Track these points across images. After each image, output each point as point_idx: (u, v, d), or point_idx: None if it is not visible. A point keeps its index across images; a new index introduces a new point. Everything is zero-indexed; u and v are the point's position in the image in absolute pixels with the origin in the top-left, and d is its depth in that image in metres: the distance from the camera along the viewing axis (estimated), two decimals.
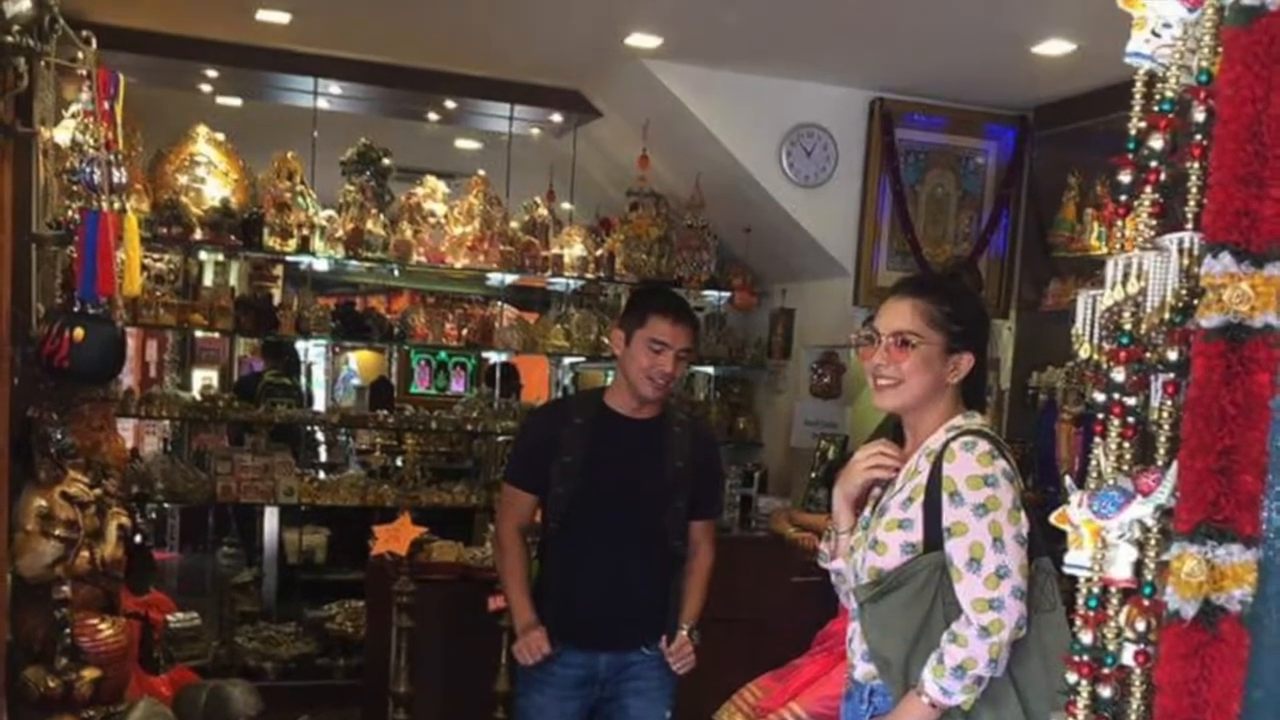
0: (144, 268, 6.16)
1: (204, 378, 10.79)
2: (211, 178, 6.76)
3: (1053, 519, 1.85)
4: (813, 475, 6.78)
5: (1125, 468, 1.77)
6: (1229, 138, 1.56)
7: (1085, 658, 1.79)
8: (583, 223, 7.84)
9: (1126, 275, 1.76)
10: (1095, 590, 1.79)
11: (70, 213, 3.76)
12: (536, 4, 5.70)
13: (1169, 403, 1.70)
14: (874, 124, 6.83)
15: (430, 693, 5.37)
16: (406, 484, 7.36)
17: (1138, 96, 1.81)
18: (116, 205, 3.78)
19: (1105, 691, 1.77)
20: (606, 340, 6.93)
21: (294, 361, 9.42)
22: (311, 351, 10.17)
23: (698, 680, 4.02)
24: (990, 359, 3.82)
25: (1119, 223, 1.83)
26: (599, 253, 7.42)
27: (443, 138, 8.98)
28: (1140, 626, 1.70)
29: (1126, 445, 1.78)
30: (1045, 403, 6.49)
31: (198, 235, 6.69)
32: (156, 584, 5.74)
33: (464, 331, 7.55)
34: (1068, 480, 1.87)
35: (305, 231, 6.78)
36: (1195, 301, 1.62)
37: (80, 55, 3.65)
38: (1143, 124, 1.79)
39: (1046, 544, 2.59)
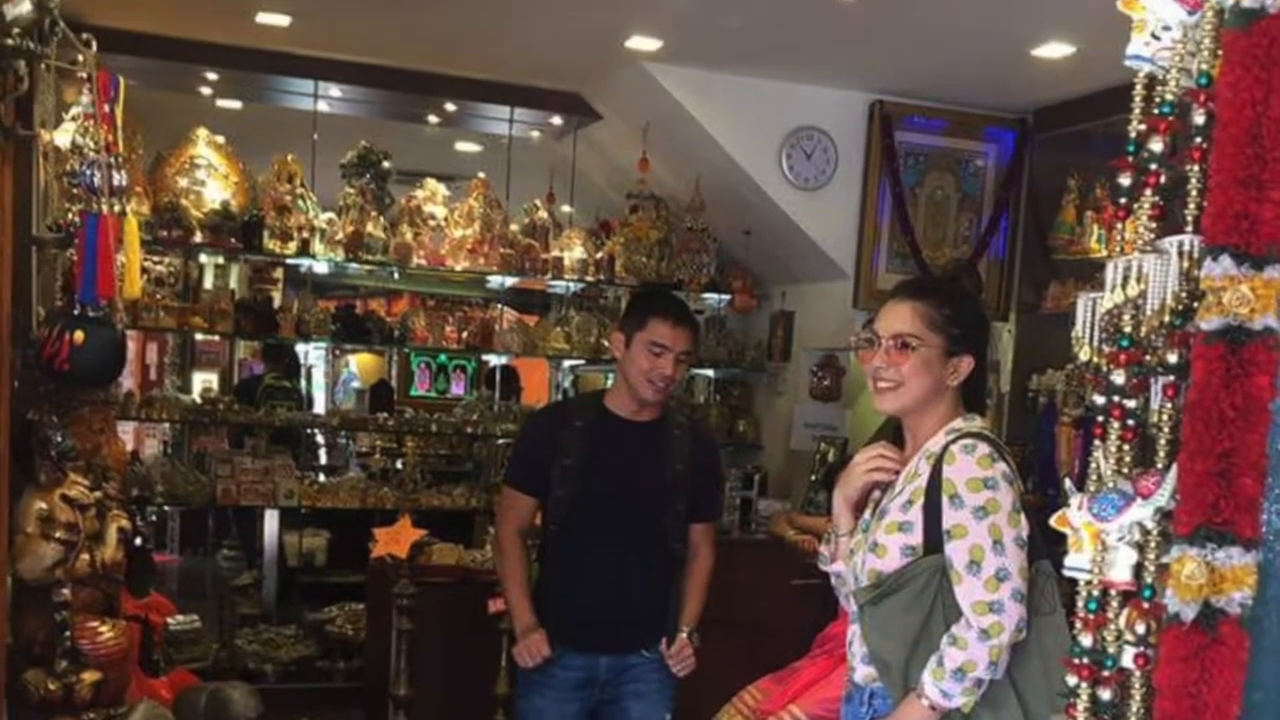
0: (144, 270, 6.17)
1: (204, 380, 10.79)
2: (212, 180, 6.77)
3: (1053, 522, 1.85)
4: (812, 478, 6.77)
5: (1125, 470, 1.77)
6: (1229, 140, 1.56)
7: (1085, 660, 1.79)
8: (583, 225, 7.84)
9: (1126, 278, 1.76)
10: (1095, 593, 1.79)
11: (70, 215, 3.75)
12: (536, 7, 5.70)
13: (1169, 405, 1.70)
14: (874, 127, 6.83)
15: (430, 695, 5.37)
16: (407, 487, 7.36)
17: (1137, 99, 1.82)
18: (117, 208, 3.78)
19: (1105, 694, 1.77)
20: (606, 343, 6.93)
21: (294, 364, 9.43)
22: (312, 354, 10.18)
23: (698, 683, 4.02)
24: (990, 362, 3.83)
25: (1119, 225, 1.83)
26: (599, 255, 7.42)
27: (443, 140, 8.98)
28: (1140, 629, 1.70)
29: (1126, 448, 1.78)
30: (1045, 405, 6.49)
31: (198, 238, 6.69)
32: (157, 587, 5.73)
33: (464, 334, 7.55)
34: (1067, 483, 1.87)
35: (305, 234, 6.79)
36: (1195, 304, 1.62)
37: (80, 58, 3.64)
38: (1142, 127, 1.79)
39: (1046, 547, 2.59)
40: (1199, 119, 1.66)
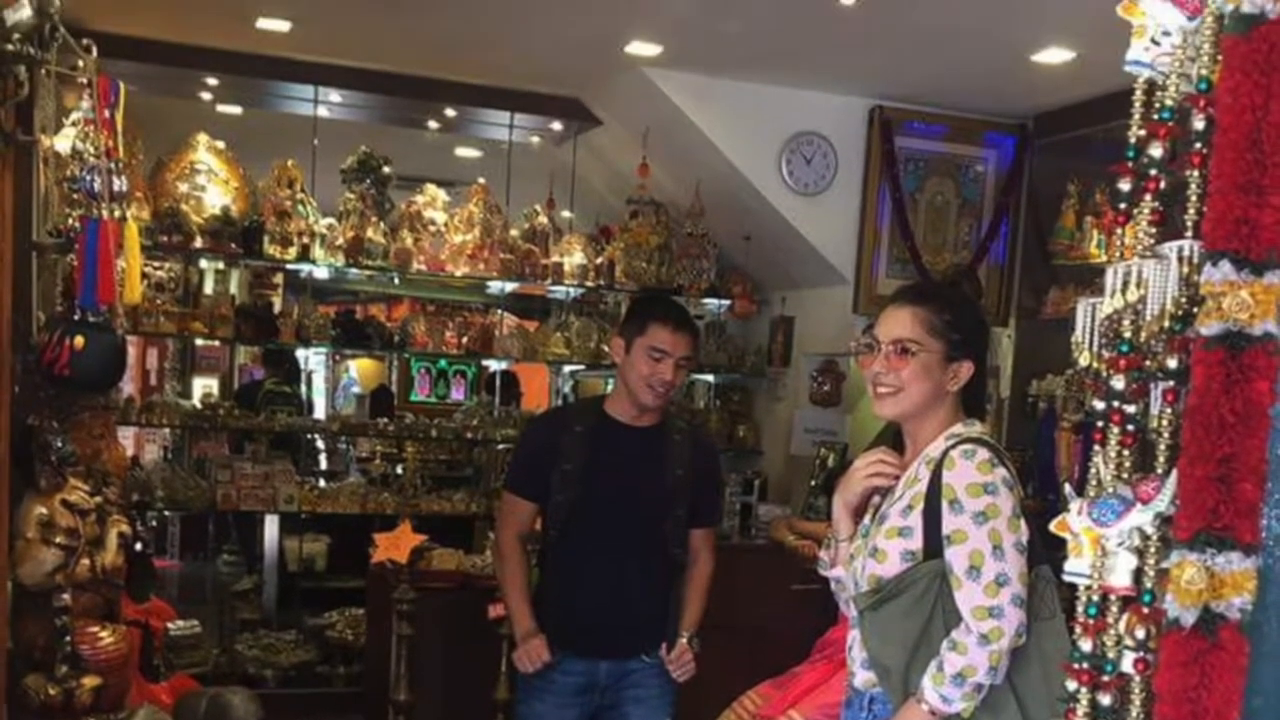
0: (144, 276, 6.17)
1: (204, 386, 10.77)
2: (212, 186, 6.77)
3: (1052, 526, 1.85)
4: (812, 483, 6.78)
5: (1125, 475, 1.77)
6: (1228, 146, 1.56)
7: (1085, 665, 1.79)
8: (583, 231, 7.86)
9: (1126, 283, 1.76)
10: (1095, 598, 1.79)
11: (71, 221, 3.75)
12: (536, 12, 5.70)
13: (1168, 410, 1.70)
14: (874, 132, 6.84)
15: (430, 700, 5.37)
16: (407, 492, 7.35)
17: (1137, 104, 1.82)
18: (117, 213, 3.78)
19: (1105, 699, 1.77)
20: (606, 348, 6.94)
21: (294, 369, 9.43)
22: (312, 359, 10.18)
23: (698, 688, 4.02)
24: (990, 367, 3.83)
25: (1119, 231, 1.83)
26: (599, 261, 7.42)
27: (443, 146, 8.98)
28: (1140, 634, 1.70)
29: (1126, 453, 1.78)
30: (1045, 410, 6.49)
31: (198, 243, 6.69)
32: (157, 592, 5.72)
33: (464, 339, 7.55)
34: (1067, 488, 1.87)
35: (305, 239, 6.79)
36: (1195, 309, 1.62)
37: (81, 63, 3.64)
38: (1142, 132, 1.80)
39: (1046, 552, 2.60)
40: (1199, 124, 1.66)
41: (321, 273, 7.35)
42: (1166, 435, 1.71)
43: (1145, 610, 1.71)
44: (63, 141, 3.99)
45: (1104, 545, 1.75)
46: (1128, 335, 1.76)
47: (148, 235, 6.16)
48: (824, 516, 5.08)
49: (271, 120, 8.12)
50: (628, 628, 3.92)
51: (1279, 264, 1.54)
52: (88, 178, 3.68)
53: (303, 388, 9.73)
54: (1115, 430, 1.78)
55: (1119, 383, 1.76)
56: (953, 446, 2.63)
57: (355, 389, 13.28)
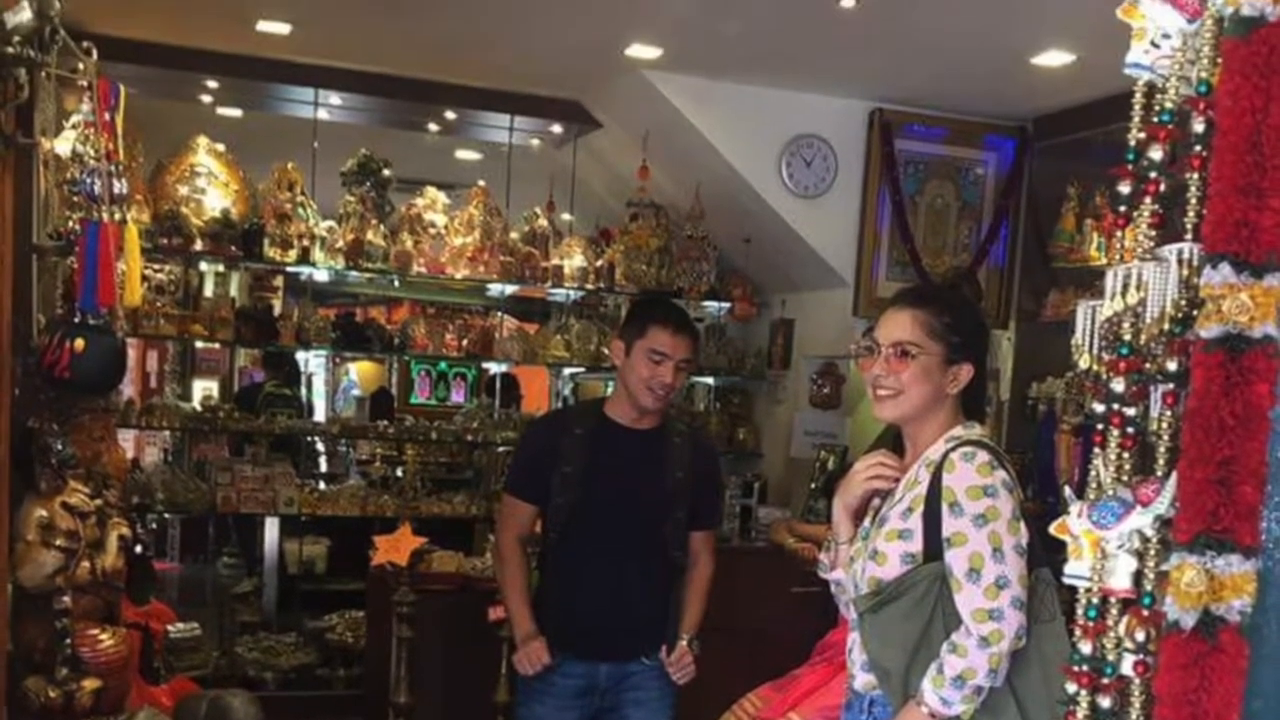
0: (144, 278, 6.17)
1: (204, 388, 10.76)
2: (212, 188, 6.76)
3: (1052, 529, 1.85)
4: (812, 486, 6.78)
5: (1125, 478, 1.77)
6: (1228, 148, 1.56)
7: (1085, 668, 1.79)
8: (583, 233, 7.85)
9: (1126, 286, 1.76)
10: (1095, 600, 1.79)
11: (71, 223, 3.75)
12: (536, 15, 5.70)
13: (1168, 413, 1.70)
14: (874, 135, 6.84)
15: (430, 703, 5.37)
16: (407, 494, 7.35)
17: (1137, 107, 1.82)
18: (117, 216, 3.78)
19: (1105, 702, 1.77)
20: (606, 351, 6.94)
21: (294, 372, 9.42)
22: (312, 362, 10.17)
23: (698, 690, 4.02)
24: (990, 369, 3.83)
25: (1118, 233, 1.83)
26: (599, 263, 7.42)
27: (443, 148, 8.98)
28: (1140, 637, 1.71)
29: (1126, 456, 1.78)
30: (1045, 413, 6.49)
31: (198, 246, 6.68)
32: (157, 594, 5.72)
33: (464, 342, 7.55)
34: (1067, 491, 1.87)
35: (305, 242, 6.79)
36: (1194, 312, 1.62)
37: (81, 66, 3.64)
38: (1142, 135, 1.80)
39: (1046, 554, 2.60)
40: (1198, 127, 1.66)
41: (322, 275, 7.36)
42: (1166, 438, 1.71)
43: (1145, 613, 1.71)
44: (63, 144, 4.00)
45: (1104, 548, 1.75)
46: (1127, 338, 1.76)
47: (148, 238, 6.16)
48: (824, 519, 5.08)
49: (271, 123, 8.12)
50: (628, 630, 3.92)
51: (1279, 267, 1.54)
52: (88, 180, 3.69)
53: (303, 390, 9.72)
54: (1115, 433, 1.78)
55: (1119, 385, 1.76)
56: (953, 449, 2.64)
57: (355, 391, 13.28)
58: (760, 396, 8.02)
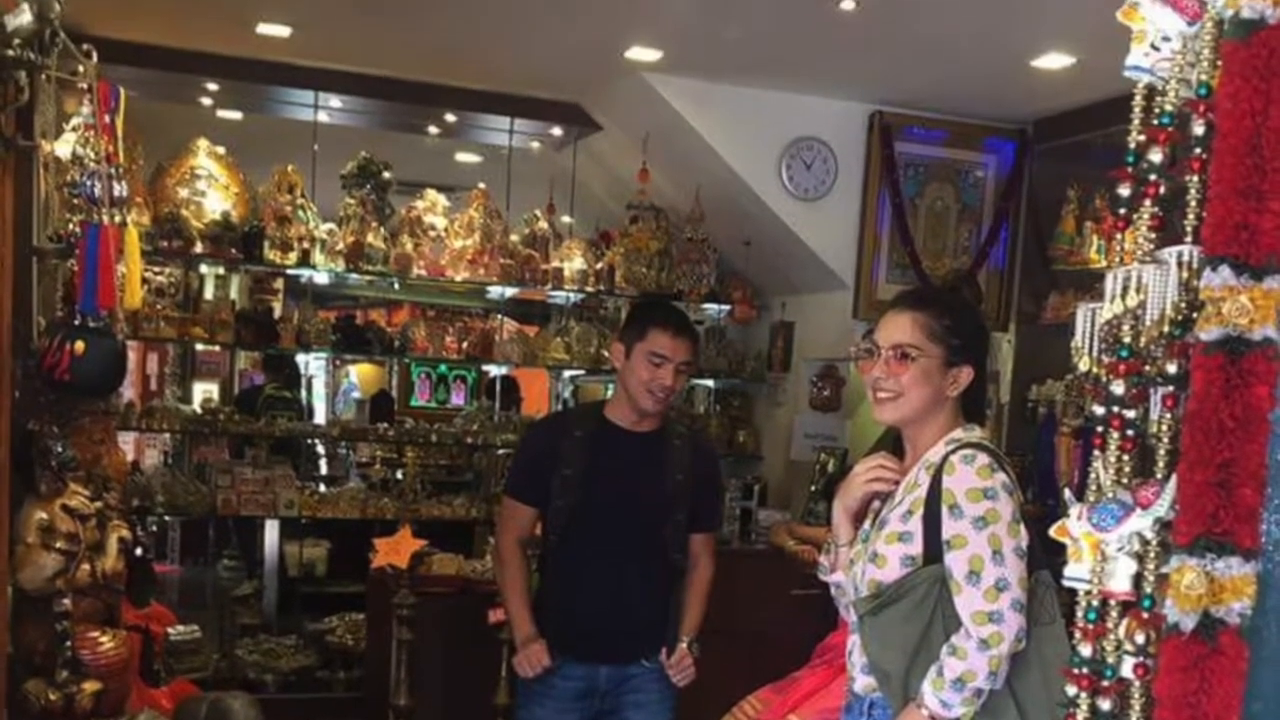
0: (145, 281, 6.16)
1: (204, 391, 10.78)
2: (212, 191, 6.76)
3: (1052, 532, 1.85)
4: (812, 488, 6.78)
5: (1124, 481, 1.77)
6: (1228, 151, 1.56)
7: (1085, 670, 1.79)
8: (583, 236, 7.85)
9: (1126, 288, 1.76)
10: (1095, 603, 1.79)
11: (71, 226, 3.75)
12: (536, 18, 5.70)
13: (1168, 416, 1.70)
14: (874, 137, 6.84)
15: (430, 705, 5.37)
16: (407, 497, 7.35)
17: (1137, 110, 1.82)
18: (117, 218, 3.78)
19: (1105, 704, 1.77)
20: (606, 353, 6.93)
21: (294, 375, 9.43)
22: (312, 365, 10.18)
23: (698, 693, 4.02)
24: (990, 372, 3.83)
25: (1118, 236, 1.83)
26: (599, 266, 7.42)
27: (443, 151, 8.98)
28: (1140, 639, 1.71)
29: (1126, 458, 1.78)
30: (1045, 416, 6.49)
31: (198, 248, 6.68)
32: (157, 597, 5.72)
33: (464, 344, 7.54)
34: (1067, 493, 1.87)
35: (306, 245, 6.79)
36: (1194, 315, 1.62)
37: (81, 69, 3.64)
38: (1142, 137, 1.80)
39: (1046, 557, 2.59)
40: (1198, 130, 1.66)
41: (322, 278, 7.35)
42: (1166, 440, 1.71)
43: (1145, 615, 1.71)
44: (63, 147, 4.00)
45: (1104, 550, 1.75)
46: (1127, 340, 1.76)
47: (148, 240, 6.15)
48: (824, 521, 5.08)
49: (272, 125, 8.12)
50: (628, 632, 3.92)
51: (1278, 269, 1.54)
52: (88, 183, 3.69)
53: (303, 393, 9.73)
54: (1115, 435, 1.78)
55: (1119, 388, 1.76)
56: (953, 451, 2.64)
57: (355, 394, 13.27)
58: (760, 399, 8.02)
